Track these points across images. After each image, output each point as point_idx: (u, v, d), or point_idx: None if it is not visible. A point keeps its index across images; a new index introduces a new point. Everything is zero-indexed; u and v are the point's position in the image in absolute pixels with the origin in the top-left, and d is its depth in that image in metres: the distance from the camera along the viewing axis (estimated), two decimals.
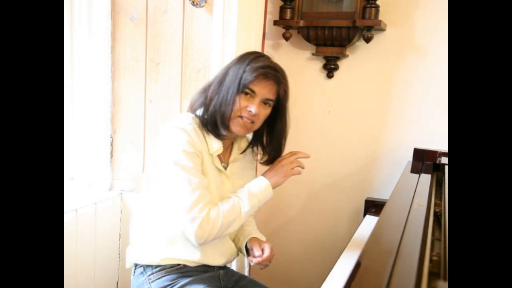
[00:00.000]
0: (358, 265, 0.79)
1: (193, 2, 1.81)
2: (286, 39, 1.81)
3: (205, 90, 1.23)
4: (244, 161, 1.33)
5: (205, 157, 1.18)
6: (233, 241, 1.33)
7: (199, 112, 1.23)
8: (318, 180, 1.93)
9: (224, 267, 1.32)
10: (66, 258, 1.69)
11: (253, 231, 1.34)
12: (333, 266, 1.18)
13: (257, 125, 1.21)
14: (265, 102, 1.18)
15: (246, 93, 1.16)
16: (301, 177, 1.96)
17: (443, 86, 1.70)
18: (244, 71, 1.15)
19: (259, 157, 1.34)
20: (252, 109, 1.16)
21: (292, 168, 1.26)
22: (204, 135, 1.20)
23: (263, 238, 1.32)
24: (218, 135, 1.20)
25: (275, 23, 1.79)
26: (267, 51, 1.90)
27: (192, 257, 1.21)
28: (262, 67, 1.15)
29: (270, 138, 1.28)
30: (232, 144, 1.30)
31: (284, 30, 1.80)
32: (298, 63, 1.89)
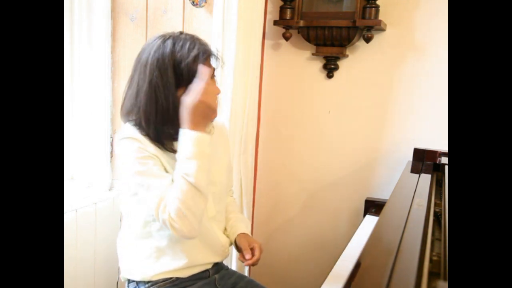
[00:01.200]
0: (358, 265, 0.79)
1: (193, 2, 1.81)
2: (286, 39, 1.81)
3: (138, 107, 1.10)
4: (215, 138, 1.22)
5: (165, 158, 1.12)
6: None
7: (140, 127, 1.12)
8: (318, 180, 1.93)
9: (220, 270, 1.31)
10: (66, 258, 1.69)
11: (238, 222, 1.32)
12: (333, 266, 1.18)
13: None
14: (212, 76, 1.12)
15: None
16: (301, 176, 1.98)
17: (443, 86, 1.69)
18: (180, 75, 1.06)
19: None
20: (217, 89, 1.12)
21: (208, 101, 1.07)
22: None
23: (248, 227, 1.32)
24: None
25: (275, 23, 1.79)
26: (267, 51, 1.90)
27: (181, 263, 1.19)
28: (196, 57, 1.06)
29: None
30: None
31: (284, 30, 1.80)
32: (298, 63, 1.89)
